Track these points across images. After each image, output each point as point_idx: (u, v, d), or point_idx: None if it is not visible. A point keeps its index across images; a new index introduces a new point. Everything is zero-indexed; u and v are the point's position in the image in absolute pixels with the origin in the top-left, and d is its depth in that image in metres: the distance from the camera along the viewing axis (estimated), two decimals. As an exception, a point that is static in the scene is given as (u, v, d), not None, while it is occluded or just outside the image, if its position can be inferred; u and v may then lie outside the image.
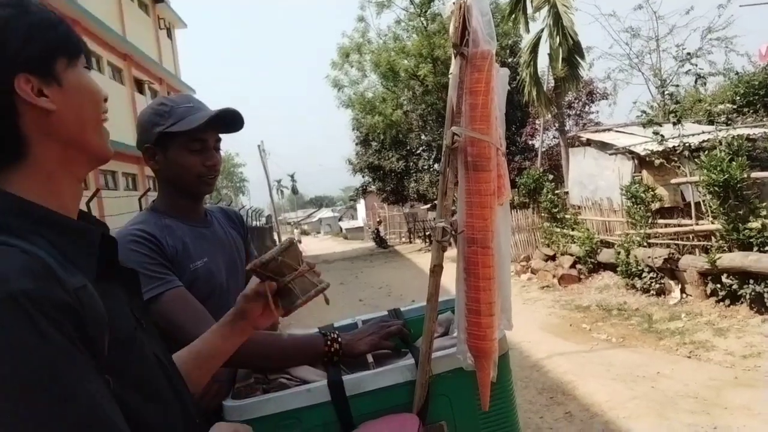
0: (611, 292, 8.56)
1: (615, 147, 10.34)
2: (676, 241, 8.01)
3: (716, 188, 6.72)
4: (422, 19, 20.38)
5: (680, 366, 5.20)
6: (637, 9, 18.53)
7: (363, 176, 27.08)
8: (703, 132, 9.07)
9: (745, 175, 6.55)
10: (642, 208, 8.57)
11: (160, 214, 1.59)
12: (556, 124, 16.58)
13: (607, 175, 10.35)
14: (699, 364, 5.25)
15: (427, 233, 25.46)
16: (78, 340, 0.67)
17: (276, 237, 31.95)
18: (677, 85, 13.73)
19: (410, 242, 29.46)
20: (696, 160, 7.60)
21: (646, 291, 7.87)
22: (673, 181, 8.47)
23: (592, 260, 9.72)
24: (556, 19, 13.62)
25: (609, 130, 12.57)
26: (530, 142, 22.23)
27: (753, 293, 6.16)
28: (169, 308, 1.41)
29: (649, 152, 9.00)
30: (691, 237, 7.87)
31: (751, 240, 6.46)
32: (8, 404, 0.61)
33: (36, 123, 0.76)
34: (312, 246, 40.44)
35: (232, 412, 1.33)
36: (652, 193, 8.58)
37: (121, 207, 10.75)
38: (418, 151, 24.28)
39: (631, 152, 9.74)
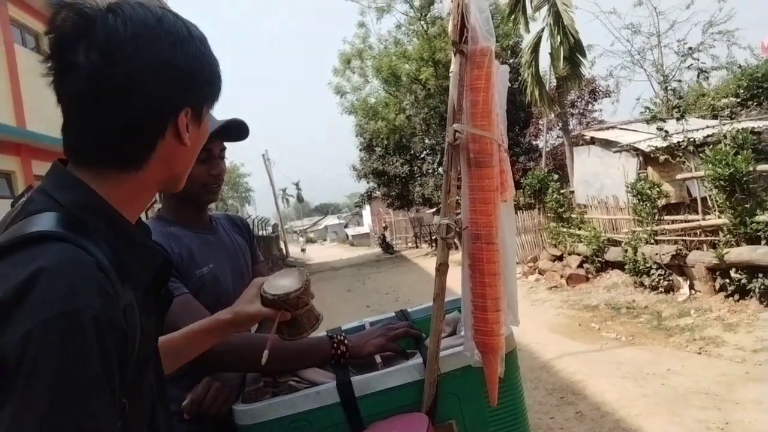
0: (619, 291, 8.52)
1: (619, 144, 10.33)
2: (684, 237, 7.98)
3: (722, 182, 6.70)
4: (422, 22, 20.44)
5: (690, 362, 5.17)
6: (637, 5, 18.55)
7: (368, 182, 27.09)
8: (708, 126, 9.07)
9: (751, 168, 6.53)
10: (648, 205, 8.54)
11: (165, 222, 1.60)
12: (560, 124, 16.55)
13: (613, 173, 10.33)
14: (709, 360, 5.21)
15: (433, 237, 25.41)
16: (118, 366, 0.67)
17: (282, 245, 32.03)
18: (680, 81, 13.69)
19: (417, 247, 29.43)
20: (701, 155, 7.57)
21: (654, 288, 7.83)
22: (678, 176, 8.44)
23: (600, 259, 9.68)
24: (557, 18, 13.61)
25: (613, 127, 12.56)
26: (534, 143, 22.20)
27: (762, 287, 6.12)
28: (176, 315, 1.41)
29: (653, 149, 8.98)
30: (698, 232, 7.83)
31: (758, 233, 6.43)
32: (31, 412, 0.60)
33: (167, 148, 0.81)
34: (318, 253, 40.49)
35: (243, 415, 1.33)
36: (657, 189, 8.56)
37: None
38: (422, 155, 24.28)
39: (636, 149, 9.73)
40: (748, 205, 6.59)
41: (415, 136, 22.89)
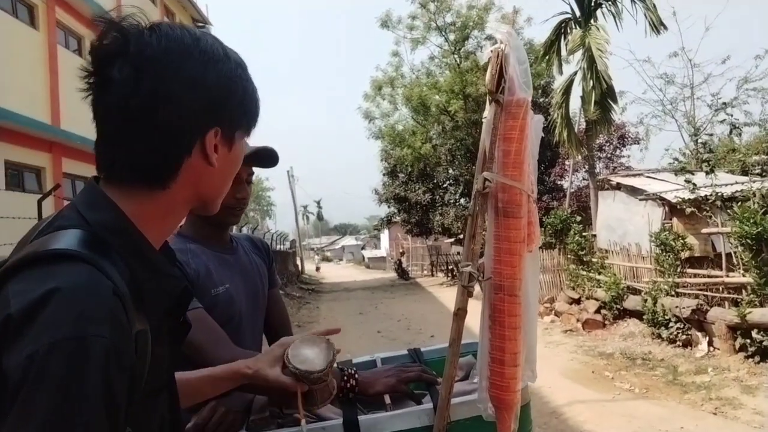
0: (636, 341, 8.35)
1: (646, 192, 10.22)
2: (705, 292, 7.82)
3: (749, 241, 6.58)
4: (456, 56, 20.61)
5: (705, 422, 5.02)
6: (672, 56, 18.49)
7: (389, 206, 27.15)
8: (737, 182, 8.94)
9: (780, 229, 6.40)
10: (671, 256, 8.41)
11: (185, 239, 1.61)
12: (586, 166, 16.47)
13: (637, 221, 10.20)
14: (725, 422, 5.05)
15: (450, 267, 25.28)
16: (125, 396, 0.66)
17: (299, 261, 32.09)
18: (711, 134, 13.57)
19: (432, 275, 29.27)
20: (728, 210, 7.45)
21: (672, 341, 7.65)
22: (704, 230, 8.31)
23: (618, 306, 9.51)
24: (591, 62, 13.65)
25: (640, 175, 12.45)
26: (559, 183, 22.08)
27: (785, 352, 5.95)
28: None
29: (680, 200, 8.86)
30: (720, 289, 7.67)
31: (784, 296, 6.28)
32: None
33: (193, 168, 0.81)
34: (333, 273, 40.45)
35: (246, 445, 1.31)
36: (682, 241, 8.43)
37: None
38: (445, 185, 24.29)
39: (662, 199, 9.62)
40: (774, 266, 6.45)
41: (439, 166, 22.94)
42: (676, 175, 9.45)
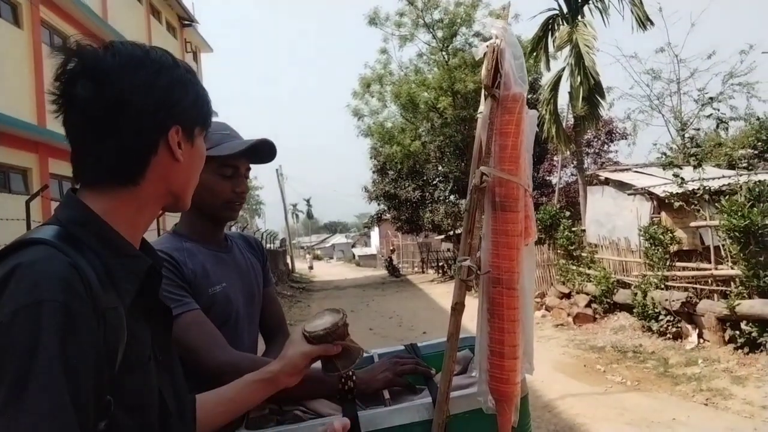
0: (627, 334, 8.42)
1: (634, 187, 10.29)
2: (695, 285, 7.90)
3: (736, 233, 6.64)
4: (444, 53, 20.62)
5: (697, 413, 5.08)
6: (658, 52, 18.66)
7: (378, 204, 27.17)
8: (724, 176, 9.02)
9: (767, 222, 6.47)
10: (660, 249, 8.48)
11: (180, 237, 1.60)
12: (575, 162, 16.56)
13: (625, 215, 10.28)
14: (716, 412, 5.12)
15: (440, 264, 25.36)
16: (88, 357, 0.71)
17: (289, 260, 32.01)
18: (698, 129, 13.69)
19: (423, 272, 29.34)
20: (716, 204, 7.53)
21: (662, 334, 7.73)
22: (692, 224, 8.38)
23: (608, 300, 9.59)
24: (578, 58, 13.73)
25: (628, 170, 12.54)
26: (547, 178, 22.21)
27: (773, 342, 6.02)
28: (185, 331, 1.40)
29: (668, 194, 8.94)
30: (709, 281, 7.75)
31: (772, 288, 6.35)
32: None
33: (161, 165, 0.90)
34: (324, 271, 40.39)
35: (246, 442, 1.31)
36: (670, 235, 8.50)
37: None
38: (435, 182, 24.34)
39: (651, 193, 9.69)
40: (762, 258, 6.52)
41: (428, 163, 22.98)
42: (664, 169, 9.52)
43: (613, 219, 10.91)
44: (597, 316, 9.65)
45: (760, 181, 7.30)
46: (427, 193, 24.14)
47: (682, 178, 8.45)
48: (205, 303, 1.51)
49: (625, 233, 10.16)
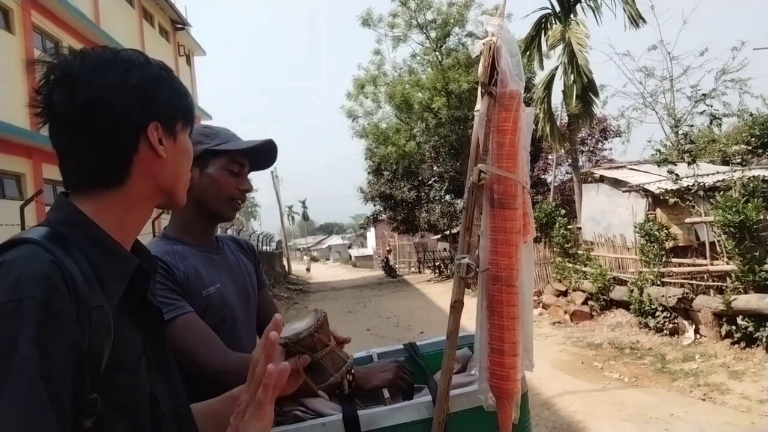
0: (624, 331, 8.44)
1: (629, 184, 10.32)
2: (690, 281, 7.92)
3: (731, 229, 6.67)
4: (437, 53, 20.63)
5: (694, 408, 5.09)
6: (651, 49, 18.61)
7: (374, 205, 27.19)
8: (718, 172, 9.06)
9: (761, 217, 6.50)
10: (656, 246, 8.51)
11: (171, 241, 1.59)
12: (569, 160, 16.62)
13: (621, 212, 10.31)
14: (714, 407, 5.13)
15: (437, 264, 25.38)
16: (70, 357, 0.71)
17: (285, 263, 31.98)
18: (691, 125, 13.72)
19: (419, 272, 29.35)
20: (711, 200, 7.56)
21: (659, 330, 7.75)
22: (687, 220, 8.41)
23: (605, 297, 9.61)
24: (571, 57, 13.76)
25: (623, 167, 12.57)
26: (543, 177, 22.26)
27: (770, 337, 6.04)
28: (180, 334, 1.39)
29: (663, 191, 8.97)
30: (705, 277, 7.77)
31: (767, 282, 6.37)
32: None
33: (145, 163, 0.90)
34: (321, 273, 40.35)
35: (246, 443, 1.30)
36: (666, 231, 8.52)
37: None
38: (430, 182, 24.36)
39: (645, 190, 9.72)
40: (757, 253, 6.55)
41: (423, 163, 22.99)
42: (658, 166, 9.55)
43: (608, 216, 10.94)
44: (594, 313, 9.67)
45: (754, 176, 7.34)
46: (423, 193, 24.16)
47: (677, 175, 8.48)
48: (200, 305, 1.50)
49: (620, 230, 10.19)
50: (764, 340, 6.11)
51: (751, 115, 14.40)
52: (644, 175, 10.81)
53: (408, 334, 9.97)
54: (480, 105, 1.27)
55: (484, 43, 1.19)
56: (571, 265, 11.05)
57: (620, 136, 21.55)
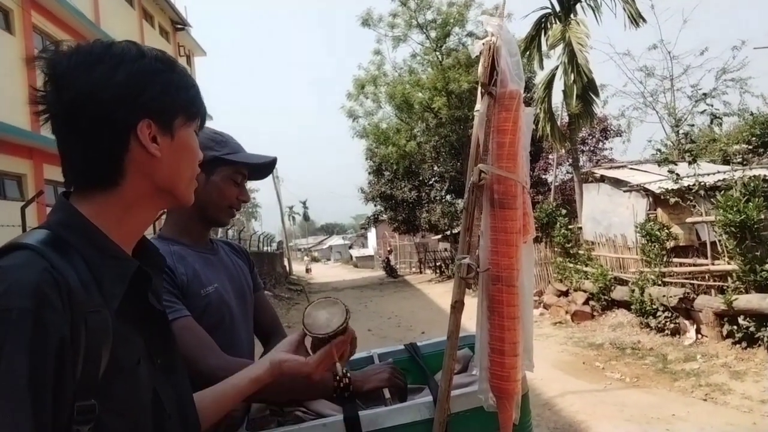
0: (625, 331, 8.43)
1: (630, 184, 10.32)
2: (692, 281, 7.92)
3: (732, 228, 6.66)
4: (437, 53, 20.63)
5: (696, 409, 5.09)
6: (651, 49, 18.66)
7: (375, 205, 27.20)
8: (719, 172, 9.05)
9: (762, 216, 6.49)
10: (657, 246, 8.50)
11: (167, 241, 1.59)
12: (570, 160, 16.61)
13: (621, 212, 10.30)
14: (715, 407, 5.13)
15: (438, 264, 25.37)
16: (56, 365, 0.71)
17: (286, 262, 31.98)
18: (692, 125, 13.71)
19: (420, 272, 29.34)
20: (712, 199, 7.55)
21: (660, 330, 7.74)
22: (688, 220, 8.41)
23: (606, 297, 9.61)
24: (571, 56, 13.75)
25: (623, 167, 12.57)
26: (543, 177, 22.26)
27: (771, 336, 6.04)
28: (177, 338, 1.40)
29: (664, 190, 8.96)
30: (706, 277, 7.77)
31: (768, 282, 6.37)
32: None
33: (138, 162, 0.87)
34: (322, 273, 40.35)
35: (247, 444, 1.31)
36: (667, 231, 8.52)
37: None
38: (431, 182, 24.36)
39: (646, 190, 9.71)
40: (758, 253, 6.54)
41: (424, 163, 22.99)
42: (659, 165, 9.55)
43: (609, 216, 10.93)
44: (595, 313, 9.66)
45: (754, 176, 7.33)
46: (424, 193, 24.17)
47: (678, 174, 8.48)
48: (199, 305, 1.50)
49: (621, 230, 10.18)
50: (766, 340, 6.11)
51: (752, 114, 14.41)
52: (645, 174, 10.81)
53: (409, 334, 9.97)
54: (480, 105, 1.27)
55: (483, 43, 1.19)
56: (572, 265, 11.05)
57: (621, 136, 21.61)
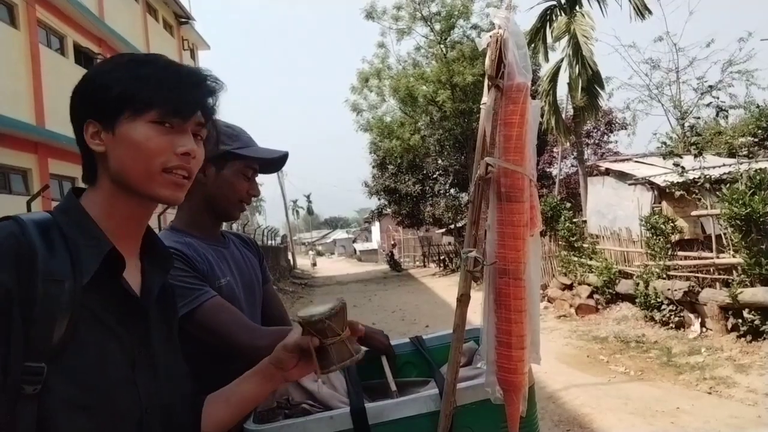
0: (629, 324, 8.43)
1: (634, 177, 10.29)
2: (696, 274, 7.90)
3: (738, 222, 6.63)
4: (442, 46, 20.56)
5: (700, 402, 5.09)
6: (657, 41, 18.58)
7: (379, 199, 27.17)
8: (724, 165, 9.01)
9: (768, 210, 6.47)
10: (662, 239, 8.47)
11: (180, 233, 1.60)
12: (575, 153, 16.54)
13: (626, 205, 10.28)
14: (720, 400, 5.13)
15: (442, 257, 25.38)
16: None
17: (290, 257, 32.05)
18: (698, 118, 13.65)
19: (424, 266, 29.37)
20: (717, 192, 7.52)
21: (665, 324, 7.73)
22: (693, 213, 8.38)
23: (610, 291, 9.59)
24: (576, 49, 13.70)
25: (628, 160, 12.54)
26: (548, 170, 22.20)
27: (776, 330, 6.02)
28: (212, 318, 1.43)
29: (669, 183, 8.93)
30: (711, 270, 7.74)
31: (774, 275, 6.35)
32: None
33: (99, 159, 0.95)
34: (326, 267, 40.41)
35: (254, 436, 1.31)
36: (672, 224, 8.49)
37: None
38: (435, 176, 24.32)
39: (651, 183, 9.69)
40: (763, 246, 6.52)
41: (428, 157, 22.95)
42: (664, 159, 9.50)
43: (614, 209, 10.91)
44: (599, 306, 9.65)
45: (760, 168, 7.29)
46: (428, 187, 24.13)
47: (683, 167, 8.45)
48: None
49: (626, 223, 10.16)
50: (771, 333, 6.09)
51: (758, 106, 14.31)
52: (650, 167, 10.78)
53: (414, 328, 9.99)
54: (486, 98, 1.26)
55: (491, 36, 1.19)
56: (576, 259, 11.03)
57: (626, 129, 21.53)
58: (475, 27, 20.59)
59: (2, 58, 10.81)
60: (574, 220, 11.85)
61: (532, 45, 15.41)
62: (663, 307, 7.75)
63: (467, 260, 1.21)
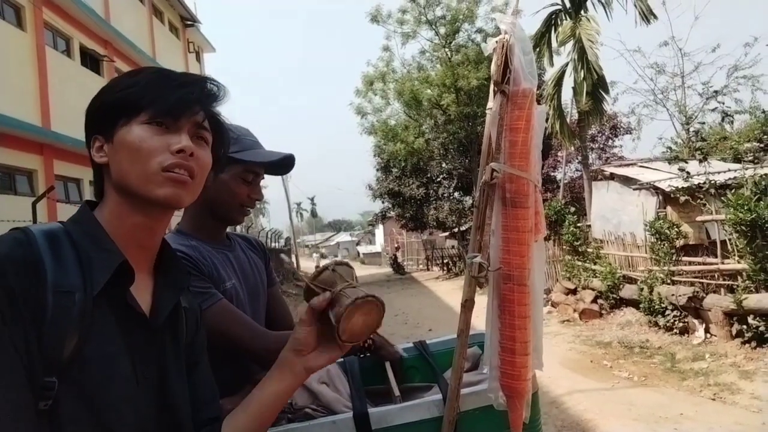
0: (633, 329, 8.39)
1: (639, 182, 10.25)
2: (701, 280, 7.86)
3: (743, 227, 6.61)
4: (446, 50, 20.58)
5: (704, 408, 5.06)
6: (662, 45, 18.54)
7: (383, 202, 27.15)
8: (730, 170, 8.98)
9: (774, 215, 6.44)
10: (666, 244, 8.44)
11: (186, 236, 1.60)
12: (579, 157, 16.52)
13: (631, 210, 10.24)
14: (724, 407, 5.10)
15: (445, 261, 25.35)
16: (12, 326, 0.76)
17: (294, 259, 32.05)
18: (703, 123, 13.60)
19: (428, 270, 29.32)
20: (722, 198, 7.49)
21: (669, 329, 7.70)
22: (698, 218, 8.34)
23: (614, 296, 9.55)
24: (581, 53, 13.68)
25: (633, 164, 12.49)
26: (552, 174, 22.18)
27: (781, 336, 5.99)
28: (220, 321, 1.42)
29: (674, 188, 8.90)
30: (716, 276, 7.71)
31: (779, 282, 6.32)
32: None
33: (105, 172, 0.97)
34: (329, 270, 40.23)
35: (258, 440, 1.31)
36: (676, 229, 8.46)
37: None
38: (439, 179, 24.30)
39: (656, 188, 9.65)
40: (769, 252, 6.49)
41: (432, 160, 22.94)
42: (669, 163, 9.48)
43: (618, 214, 10.87)
44: (603, 311, 9.62)
45: (766, 174, 7.26)
46: (432, 191, 24.11)
47: (688, 173, 8.41)
48: None
49: (630, 228, 10.12)
50: (776, 339, 6.06)
51: (764, 112, 14.25)
52: (655, 172, 10.74)
53: (416, 331, 9.97)
54: (492, 103, 1.26)
55: (497, 41, 1.19)
56: (580, 263, 11.00)
57: (631, 133, 21.49)
58: (479, 31, 20.60)
59: (9, 60, 10.87)
60: (579, 224, 11.82)
61: (537, 49, 15.39)
62: (667, 312, 7.72)
63: (472, 266, 1.21)
